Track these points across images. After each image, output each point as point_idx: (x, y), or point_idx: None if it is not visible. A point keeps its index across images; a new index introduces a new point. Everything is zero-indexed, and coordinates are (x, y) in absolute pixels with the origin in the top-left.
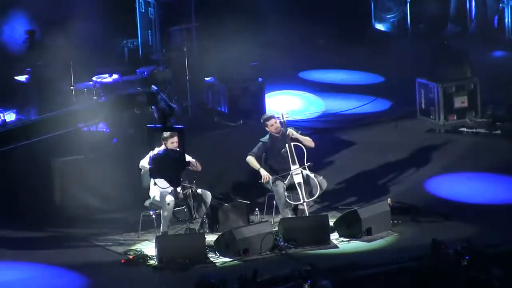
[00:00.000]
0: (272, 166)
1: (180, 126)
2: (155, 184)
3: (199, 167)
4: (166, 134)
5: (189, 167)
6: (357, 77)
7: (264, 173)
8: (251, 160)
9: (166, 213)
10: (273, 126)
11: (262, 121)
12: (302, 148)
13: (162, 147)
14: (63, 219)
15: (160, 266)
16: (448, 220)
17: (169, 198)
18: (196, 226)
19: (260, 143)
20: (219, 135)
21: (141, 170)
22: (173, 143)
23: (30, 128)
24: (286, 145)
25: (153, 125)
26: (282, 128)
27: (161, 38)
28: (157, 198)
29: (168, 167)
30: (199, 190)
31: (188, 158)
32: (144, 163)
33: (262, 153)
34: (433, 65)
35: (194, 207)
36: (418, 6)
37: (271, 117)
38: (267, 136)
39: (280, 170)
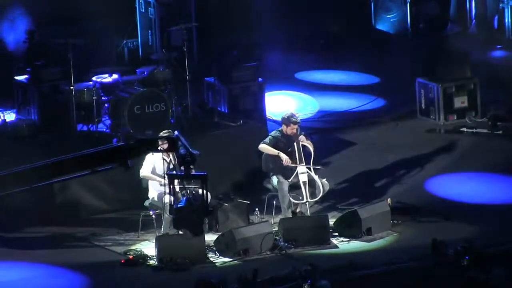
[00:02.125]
0: (277, 163)
1: (202, 172)
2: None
3: None
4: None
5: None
6: (356, 77)
7: (284, 156)
8: (265, 146)
9: (167, 215)
10: (293, 130)
11: (286, 117)
12: (310, 150)
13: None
14: (63, 219)
15: (160, 266)
16: (448, 220)
17: (168, 199)
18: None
19: (271, 136)
20: (219, 135)
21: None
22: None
23: (42, 171)
24: (295, 144)
25: (174, 172)
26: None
27: (161, 38)
28: (156, 199)
29: (191, 216)
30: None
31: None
32: (145, 172)
33: (272, 145)
34: (433, 65)
35: None
36: (418, 6)
37: (297, 122)
38: (277, 132)
39: (285, 168)
